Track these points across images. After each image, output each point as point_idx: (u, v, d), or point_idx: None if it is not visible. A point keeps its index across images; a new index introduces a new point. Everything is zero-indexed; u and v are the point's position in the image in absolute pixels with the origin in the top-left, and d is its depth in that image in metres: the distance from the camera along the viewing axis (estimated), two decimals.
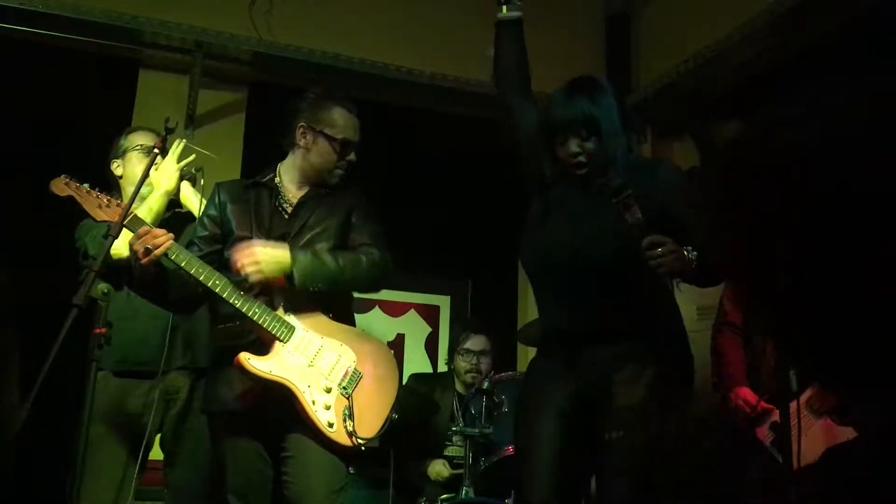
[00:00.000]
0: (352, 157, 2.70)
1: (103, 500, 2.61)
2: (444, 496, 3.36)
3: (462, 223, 4.63)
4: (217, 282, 2.42)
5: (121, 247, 2.51)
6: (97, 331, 2.24)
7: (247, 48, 4.20)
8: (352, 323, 2.72)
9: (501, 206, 2.71)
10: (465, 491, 3.27)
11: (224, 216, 2.64)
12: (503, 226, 2.73)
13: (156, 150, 2.47)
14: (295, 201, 2.67)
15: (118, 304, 2.57)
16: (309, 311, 2.56)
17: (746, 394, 2.95)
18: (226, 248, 2.57)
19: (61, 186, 2.52)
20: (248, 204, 2.65)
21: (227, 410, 2.53)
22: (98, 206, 2.49)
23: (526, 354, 4.72)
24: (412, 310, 4.98)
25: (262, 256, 2.43)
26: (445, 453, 3.76)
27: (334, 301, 2.61)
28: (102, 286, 2.31)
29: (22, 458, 2.98)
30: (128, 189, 2.80)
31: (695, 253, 2.13)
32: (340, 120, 2.67)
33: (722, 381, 3.11)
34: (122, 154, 2.94)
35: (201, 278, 2.41)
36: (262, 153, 4.13)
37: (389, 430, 2.59)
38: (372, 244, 2.64)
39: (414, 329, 4.89)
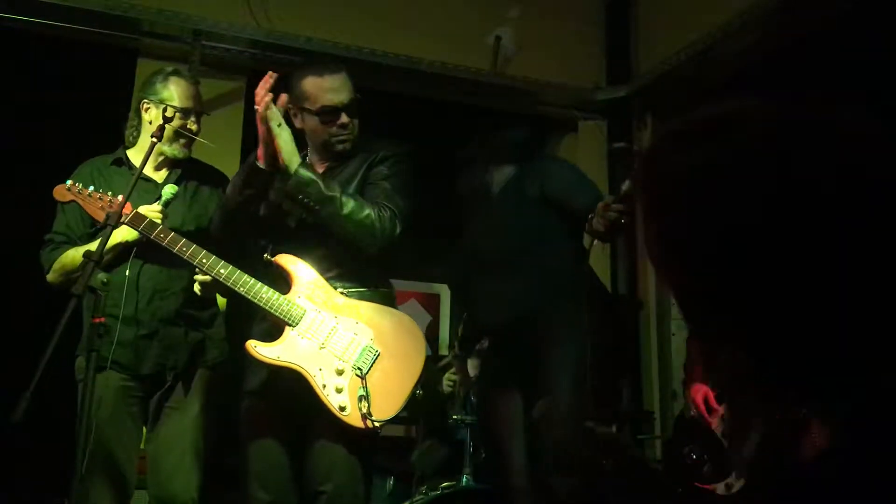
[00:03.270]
0: (344, 119, 2.56)
1: (106, 482, 2.61)
2: (445, 483, 3.36)
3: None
4: (222, 270, 2.43)
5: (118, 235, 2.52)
6: (97, 320, 2.23)
7: (245, 36, 4.18)
8: (388, 298, 2.64)
9: None
10: (466, 479, 3.27)
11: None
12: None
13: (153, 140, 2.46)
14: None
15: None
16: (325, 290, 2.51)
17: (697, 391, 3.04)
18: None
19: (63, 192, 2.52)
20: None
21: (255, 392, 2.54)
22: (101, 209, 2.49)
23: None
24: (412, 299, 4.98)
25: (284, 138, 2.43)
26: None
27: (361, 275, 2.57)
28: (102, 276, 2.30)
29: (22, 446, 2.97)
30: (144, 136, 2.78)
31: None
32: (312, 89, 2.55)
33: (685, 379, 3.24)
34: (151, 97, 2.82)
35: (205, 266, 2.43)
36: None
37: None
38: (386, 204, 2.53)
39: (414, 318, 4.87)
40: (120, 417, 2.64)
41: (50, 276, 2.71)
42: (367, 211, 2.47)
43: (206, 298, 2.76)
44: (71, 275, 2.64)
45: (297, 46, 4.20)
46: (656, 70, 4.55)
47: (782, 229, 0.76)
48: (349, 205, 2.45)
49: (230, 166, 4.05)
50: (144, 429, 2.77)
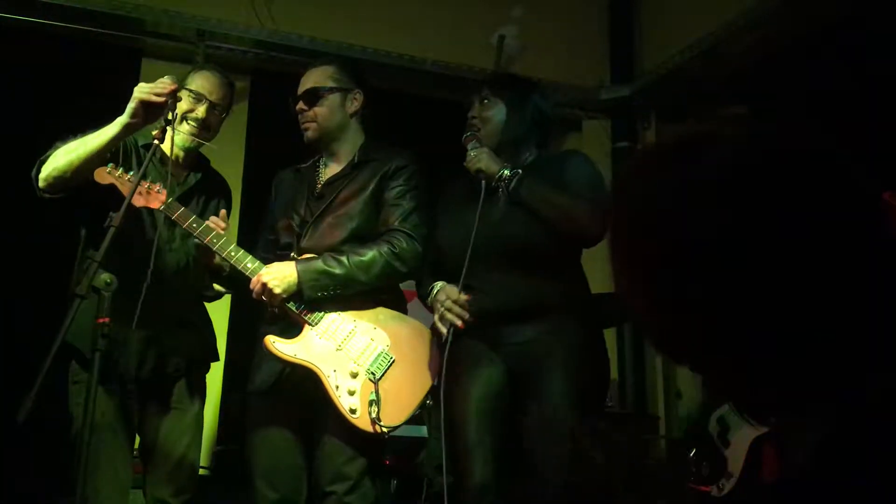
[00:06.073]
0: (301, 106, 2.67)
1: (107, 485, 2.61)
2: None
3: None
4: (249, 264, 2.45)
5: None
6: (101, 320, 2.23)
7: (249, 36, 4.20)
8: (400, 303, 2.66)
9: None
10: None
11: (273, 206, 2.73)
12: None
13: (156, 141, 2.45)
14: (325, 181, 2.66)
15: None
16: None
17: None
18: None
19: (104, 175, 2.51)
20: (289, 191, 2.69)
21: (262, 391, 2.54)
22: (138, 194, 2.48)
23: None
24: (415, 298, 4.97)
25: (271, 279, 2.42)
26: None
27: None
28: (105, 276, 2.29)
29: (23, 446, 2.97)
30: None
31: (518, 171, 2.38)
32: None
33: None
34: (181, 86, 2.76)
35: (233, 260, 2.45)
36: (264, 141, 4.14)
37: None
38: (399, 229, 2.54)
39: (417, 319, 4.87)
40: (115, 417, 2.64)
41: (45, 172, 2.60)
42: (383, 258, 2.49)
43: (199, 300, 2.76)
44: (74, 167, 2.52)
45: (300, 46, 4.22)
46: (660, 69, 4.55)
47: (747, 250, 0.77)
48: (361, 267, 2.48)
49: (234, 166, 4.08)
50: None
